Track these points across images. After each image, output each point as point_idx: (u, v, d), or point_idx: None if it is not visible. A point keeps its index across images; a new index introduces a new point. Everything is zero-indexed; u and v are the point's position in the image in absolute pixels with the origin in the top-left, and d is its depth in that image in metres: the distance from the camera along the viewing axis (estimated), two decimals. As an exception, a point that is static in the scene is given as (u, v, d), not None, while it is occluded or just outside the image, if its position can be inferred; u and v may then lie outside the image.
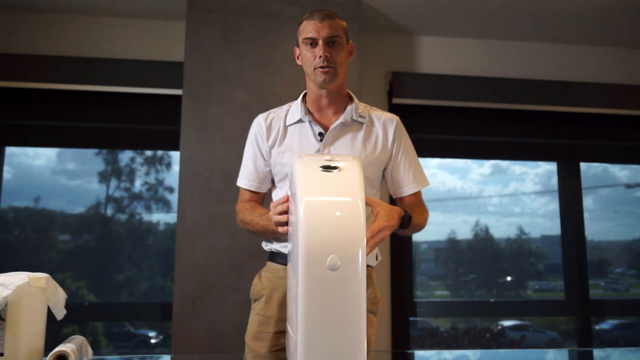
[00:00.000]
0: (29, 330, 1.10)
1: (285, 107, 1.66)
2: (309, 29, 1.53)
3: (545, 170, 3.59)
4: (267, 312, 1.58)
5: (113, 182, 3.20)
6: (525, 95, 3.28)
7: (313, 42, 1.52)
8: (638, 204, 3.64)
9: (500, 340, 3.44)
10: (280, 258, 1.61)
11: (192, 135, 2.67)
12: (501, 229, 3.51)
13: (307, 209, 1.03)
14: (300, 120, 1.60)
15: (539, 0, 2.94)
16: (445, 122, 3.36)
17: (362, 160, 1.46)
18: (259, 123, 1.64)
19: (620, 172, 3.68)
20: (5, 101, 3.02)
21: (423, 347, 3.31)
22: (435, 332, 3.43)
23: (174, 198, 3.19)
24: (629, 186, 3.66)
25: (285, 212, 1.29)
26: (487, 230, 3.48)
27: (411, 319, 3.18)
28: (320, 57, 1.51)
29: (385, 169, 1.63)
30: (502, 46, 3.41)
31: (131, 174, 3.23)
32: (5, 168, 3.09)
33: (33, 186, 3.16)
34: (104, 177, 3.20)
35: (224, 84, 2.73)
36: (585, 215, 3.41)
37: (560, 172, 3.50)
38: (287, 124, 1.61)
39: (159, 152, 3.26)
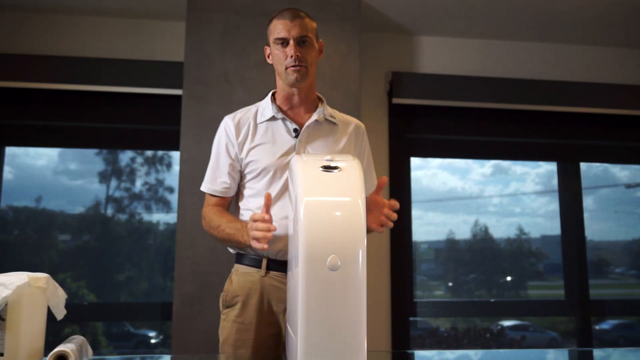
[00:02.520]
0: (29, 330, 1.10)
1: (252, 107, 1.68)
2: (279, 28, 1.55)
3: (545, 171, 3.59)
4: (246, 319, 1.54)
5: (113, 182, 3.20)
6: (525, 95, 3.28)
7: (284, 42, 1.54)
8: (638, 204, 3.64)
9: (500, 340, 3.44)
10: (247, 260, 1.58)
11: (192, 135, 2.67)
12: (501, 229, 3.51)
13: (308, 209, 1.03)
14: (272, 118, 1.60)
15: (539, 0, 2.94)
16: (445, 122, 3.36)
17: None
18: (226, 123, 1.64)
19: (621, 172, 3.68)
20: (5, 101, 3.02)
21: (423, 347, 3.31)
22: (435, 332, 3.43)
23: (174, 198, 3.19)
24: (629, 186, 3.66)
25: (266, 230, 1.30)
26: (487, 230, 3.48)
27: (411, 319, 3.18)
28: (292, 56, 1.53)
29: None
30: (502, 46, 3.41)
31: (131, 174, 3.23)
32: (7, 168, 3.09)
33: (34, 186, 3.16)
34: (104, 177, 3.20)
35: (224, 84, 2.73)
36: (585, 215, 3.40)
37: (561, 172, 3.50)
38: (258, 121, 1.61)
39: (159, 152, 3.26)
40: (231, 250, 1.66)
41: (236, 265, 1.63)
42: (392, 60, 3.30)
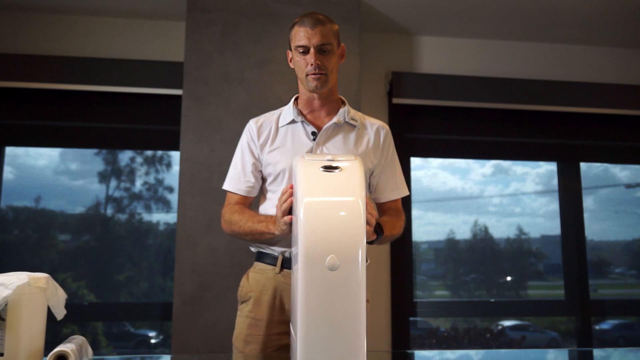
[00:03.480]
0: (29, 330, 1.10)
1: (277, 111, 1.70)
2: (300, 35, 1.55)
3: (546, 171, 3.59)
4: (257, 314, 1.58)
5: (113, 182, 3.20)
6: (525, 95, 3.28)
7: (305, 49, 1.55)
8: (638, 204, 3.64)
9: (500, 340, 3.44)
10: (268, 258, 1.62)
11: (192, 135, 2.67)
12: (501, 229, 3.51)
13: (307, 209, 1.03)
14: (292, 121, 1.62)
15: (540, 0, 2.94)
16: (445, 122, 3.36)
17: None
18: (250, 126, 1.67)
19: (621, 172, 3.68)
20: (5, 101, 3.02)
21: (423, 347, 3.31)
22: (435, 332, 3.43)
23: (174, 198, 3.19)
24: (629, 186, 3.66)
25: (290, 201, 1.29)
26: (487, 230, 3.48)
27: (411, 319, 3.18)
28: (312, 64, 1.54)
29: (371, 173, 1.67)
30: (502, 46, 3.41)
31: (131, 174, 3.23)
32: (7, 168, 3.09)
33: (34, 186, 3.16)
34: (104, 177, 3.20)
35: (224, 84, 2.73)
36: (585, 215, 3.40)
37: (561, 172, 3.50)
38: (279, 125, 1.64)
39: (159, 152, 3.26)
40: (252, 249, 1.68)
41: (255, 263, 1.67)
42: (392, 60, 3.30)
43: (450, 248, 3.49)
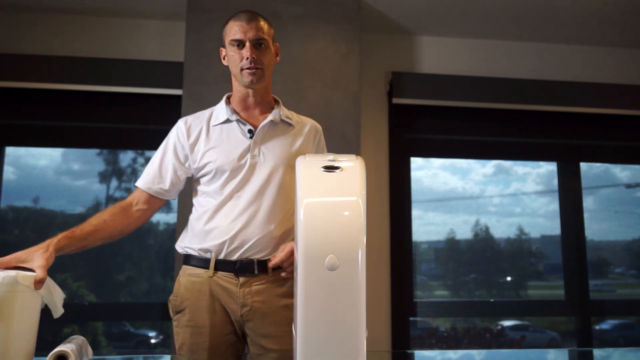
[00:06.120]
0: (20, 328, 1.09)
1: (206, 111, 1.67)
2: (235, 30, 1.53)
3: (546, 171, 3.59)
4: (198, 322, 1.52)
5: (114, 182, 3.20)
6: (526, 95, 3.28)
7: (240, 44, 1.53)
8: (638, 204, 3.64)
9: (500, 340, 3.44)
10: (196, 261, 1.56)
11: (192, 135, 2.67)
12: (501, 229, 3.51)
13: (307, 209, 1.03)
14: (227, 120, 1.60)
15: (540, 0, 2.94)
16: (445, 122, 3.36)
17: (292, 157, 1.53)
18: (178, 126, 1.63)
19: (621, 172, 3.68)
20: (5, 101, 3.02)
21: (423, 347, 3.31)
22: (435, 332, 3.43)
23: (174, 198, 3.19)
24: (629, 186, 3.66)
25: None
26: (487, 230, 3.48)
27: (411, 319, 3.18)
28: (247, 58, 1.52)
29: None
30: (503, 46, 3.41)
31: (132, 174, 3.23)
32: (8, 168, 3.09)
33: (34, 186, 3.16)
34: (104, 177, 3.20)
35: (224, 84, 2.72)
36: (586, 215, 3.40)
37: (561, 172, 3.50)
38: (211, 124, 1.60)
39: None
40: (179, 250, 1.63)
41: (184, 267, 1.60)
42: (392, 60, 3.30)
43: (450, 248, 3.49)
